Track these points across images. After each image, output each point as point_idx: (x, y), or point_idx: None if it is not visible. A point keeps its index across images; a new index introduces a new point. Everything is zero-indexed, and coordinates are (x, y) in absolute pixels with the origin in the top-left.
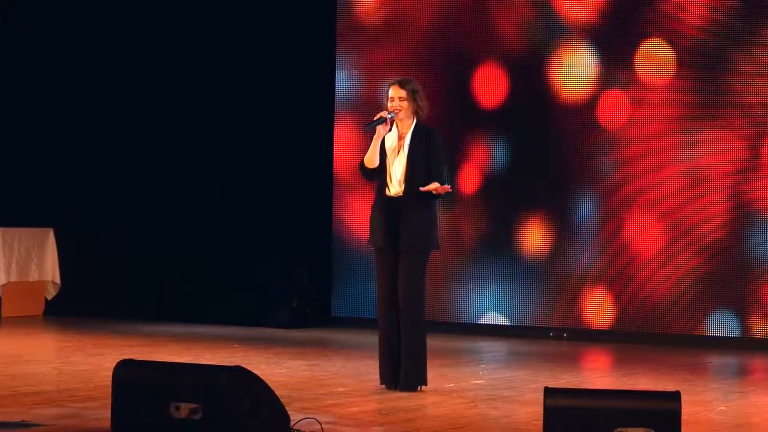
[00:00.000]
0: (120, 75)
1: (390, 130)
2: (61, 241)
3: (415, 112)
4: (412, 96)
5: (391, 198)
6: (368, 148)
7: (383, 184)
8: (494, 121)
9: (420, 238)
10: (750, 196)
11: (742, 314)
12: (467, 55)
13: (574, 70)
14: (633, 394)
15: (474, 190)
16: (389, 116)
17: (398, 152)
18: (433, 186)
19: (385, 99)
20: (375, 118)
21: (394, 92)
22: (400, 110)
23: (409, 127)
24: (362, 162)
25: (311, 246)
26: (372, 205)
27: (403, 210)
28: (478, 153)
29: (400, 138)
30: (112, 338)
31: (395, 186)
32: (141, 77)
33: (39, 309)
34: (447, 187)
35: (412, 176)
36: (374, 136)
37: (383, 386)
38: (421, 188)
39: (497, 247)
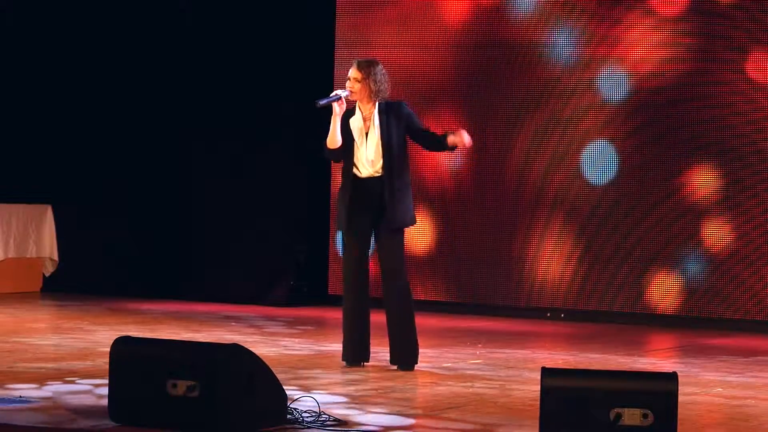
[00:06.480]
0: (116, 49)
1: (347, 108)
2: (59, 217)
3: (372, 95)
4: (367, 78)
5: (363, 179)
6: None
7: (350, 168)
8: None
9: (406, 215)
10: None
11: (742, 297)
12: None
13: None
14: (630, 375)
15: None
16: (343, 94)
17: (366, 134)
18: (453, 139)
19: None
20: (331, 95)
21: (351, 72)
22: (353, 92)
23: (371, 109)
24: (324, 143)
25: (309, 225)
26: (339, 189)
27: (386, 188)
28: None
29: (366, 120)
30: (109, 315)
31: (367, 168)
32: (136, 51)
33: (36, 285)
34: (464, 137)
35: (388, 154)
36: (332, 115)
37: (344, 364)
38: (449, 141)
39: (483, 230)
